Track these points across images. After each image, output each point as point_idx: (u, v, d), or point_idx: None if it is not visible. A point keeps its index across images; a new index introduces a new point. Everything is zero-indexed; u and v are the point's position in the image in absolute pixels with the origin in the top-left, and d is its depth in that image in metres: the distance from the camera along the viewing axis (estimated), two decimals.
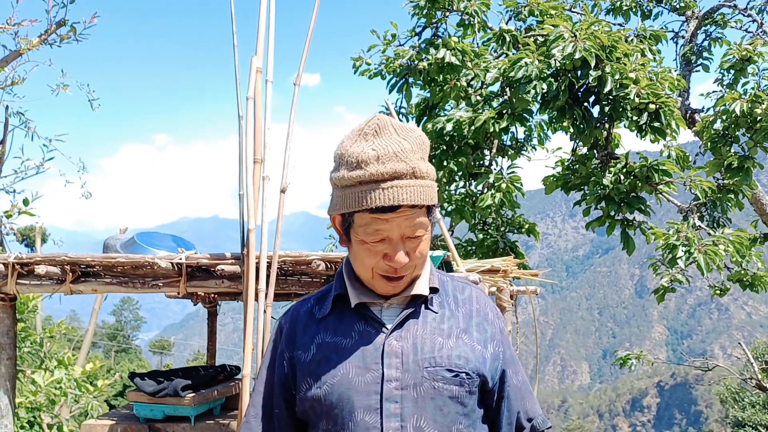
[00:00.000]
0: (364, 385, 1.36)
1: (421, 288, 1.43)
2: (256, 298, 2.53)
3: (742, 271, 5.05)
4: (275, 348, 1.52)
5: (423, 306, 1.44)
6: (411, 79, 4.74)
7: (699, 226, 3.90)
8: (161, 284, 2.73)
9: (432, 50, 4.55)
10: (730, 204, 4.30)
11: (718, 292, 5.40)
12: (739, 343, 6.14)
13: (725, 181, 4.26)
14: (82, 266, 2.72)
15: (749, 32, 5.38)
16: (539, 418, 1.54)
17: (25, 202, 5.15)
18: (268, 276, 2.58)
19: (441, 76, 4.55)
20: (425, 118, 5.22)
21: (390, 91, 4.87)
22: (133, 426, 2.79)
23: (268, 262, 2.60)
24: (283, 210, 2.67)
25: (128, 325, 50.73)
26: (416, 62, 4.61)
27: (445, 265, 2.84)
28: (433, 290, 1.46)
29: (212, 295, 3.82)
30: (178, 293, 2.81)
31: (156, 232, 3.44)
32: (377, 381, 1.35)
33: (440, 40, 4.59)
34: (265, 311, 2.53)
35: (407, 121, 5.19)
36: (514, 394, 1.50)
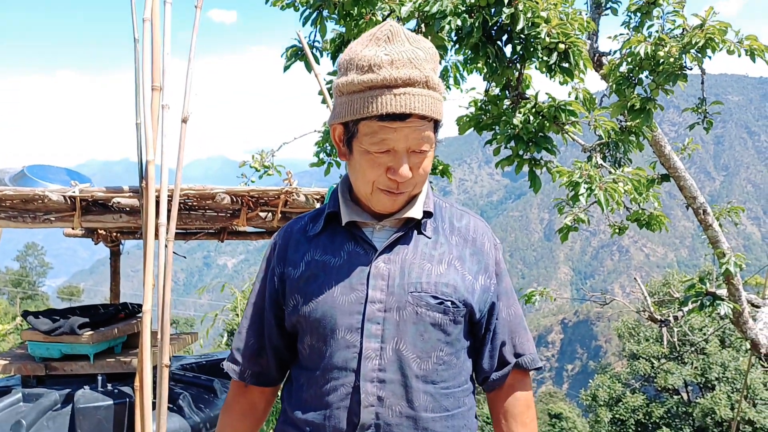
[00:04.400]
0: (348, 305, 1.35)
1: (414, 211, 1.40)
2: (157, 234, 2.43)
3: (640, 211, 5.31)
4: (268, 263, 1.51)
5: (416, 230, 1.42)
6: (325, 12, 4.57)
7: (601, 164, 4.05)
8: (53, 219, 2.58)
9: None
10: (631, 145, 4.48)
11: (617, 230, 5.67)
12: (635, 279, 6.53)
13: (628, 123, 4.42)
14: None
15: None
16: (528, 357, 1.49)
17: None
18: (169, 210, 2.48)
19: (356, 9, 4.42)
20: (340, 54, 5.09)
21: (303, 24, 4.68)
22: (28, 365, 2.67)
23: (169, 196, 2.50)
24: (185, 140, 2.55)
25: (33, 271, 48.56)
26: None
27: None
28: (427, 214, 1.43)
29: (113, 233, 3.66)
30: (73, 228, 2.66)
31: (50, 166, 3.23)
32: (361, 301, 1.35)
33: None
34: (166, 246, 2.44)
35: (321, 56, 5.03)
36: (501, 327, 1.47)
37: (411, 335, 1.34)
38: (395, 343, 1.33)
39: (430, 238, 1.42)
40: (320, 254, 1.41)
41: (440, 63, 4.73)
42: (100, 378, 2.57)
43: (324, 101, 4.28)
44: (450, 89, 5.44)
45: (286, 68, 4.56)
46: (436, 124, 1.33)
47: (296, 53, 4.50)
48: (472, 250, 1.44)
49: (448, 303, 1.36)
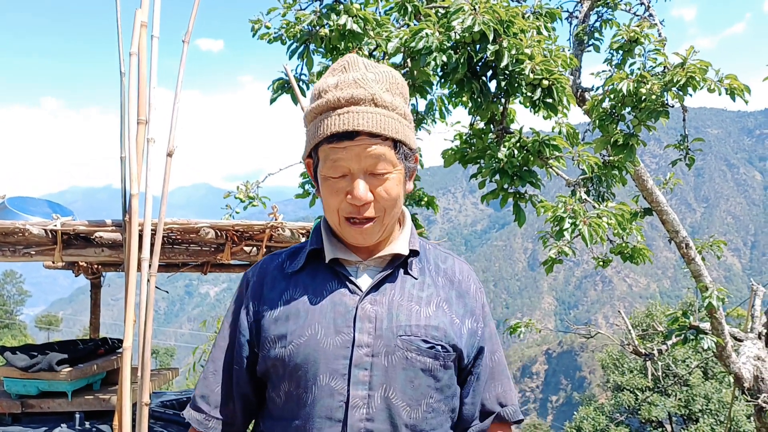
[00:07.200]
0: (333, 349, 1.26)
1: (399, 246, 1.35)
2: (139, 268, 2.39)
3: (623, 244, 5.35)
4: (239, 302, 1.41)
5: (402, 270, 1.36)
6: (312, 46, 4.61)
7: (585, 199, 4.07)
8: (33, 252, 2.54)
9: (333, 16, 4.44)
10: (614, 179, 4.52)
11: (601, 263, 5.69)
12: (619, 312, 6.54)
13: (611, 158, 4.47)
14: None
15: (637, 15, 5.66)
16: (511, 408, 1.42)
17: None
18: (152, 244, 2.45)
19: (343, 43, 4.46)
20: None
21: (290, 57, 4.72)
22: (3, 402, 2.60)
23: (152, 230, 2.47)
24: (170, 175, 2.52)
25: (11, 300, 47.79)
26: (317, 28, 4.48)
27: None
28: (414, 253, 1.38)
29: (95, 266, 3.60)
30: (54, 262, 2.62)
31: (31, 197, 3.20)
32: (347, 345, 1.26)
33: (342, 6, 4.49)
34: (148, 281, 2.41)
35: (307, 88, 5.06)
36: (485, 374, 1.41)
37: (400, 382, 1.27)
38: (384, 391, 1.26)
39: (416, 279, 1.36)
40: (300, 293, 1.33)
41: (426, 97, 4.80)
42: (77, 416, 2.51)
43: None
44: (435, 122, 5.48)
45: (272, 101, 4.58)
46: (397, 145, 1.27)
47: (283, 86, 4.52)
48: (458, 293, 1.39)
49: (439, 347, 1.29)
